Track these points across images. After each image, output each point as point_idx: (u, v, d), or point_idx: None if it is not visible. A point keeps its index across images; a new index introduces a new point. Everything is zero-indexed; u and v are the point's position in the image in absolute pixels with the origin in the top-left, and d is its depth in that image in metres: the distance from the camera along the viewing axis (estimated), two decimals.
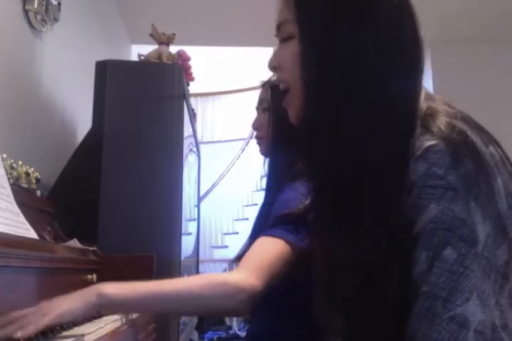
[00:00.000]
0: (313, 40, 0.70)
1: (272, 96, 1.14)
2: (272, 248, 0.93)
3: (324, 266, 0.72)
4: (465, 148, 0.61)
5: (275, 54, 0.78)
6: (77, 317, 0.83)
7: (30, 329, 0.75)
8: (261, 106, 1.20)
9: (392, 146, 0.65)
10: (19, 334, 0.73)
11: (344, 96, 0.67)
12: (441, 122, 0.64)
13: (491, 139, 0.66)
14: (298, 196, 0.94)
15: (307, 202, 0.90)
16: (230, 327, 4.82)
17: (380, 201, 0.64)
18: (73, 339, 0.81)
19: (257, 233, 1.08)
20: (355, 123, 0.66)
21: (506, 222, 0.61)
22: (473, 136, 0.63)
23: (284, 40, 0.75)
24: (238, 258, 1.11)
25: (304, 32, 0.71)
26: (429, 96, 0.71)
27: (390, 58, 0.67)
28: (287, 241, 0.94)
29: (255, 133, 1.22)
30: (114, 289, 0.84)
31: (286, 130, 1.04)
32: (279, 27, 0.76)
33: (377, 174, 0.65)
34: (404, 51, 0.69)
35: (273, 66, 0.78)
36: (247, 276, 0.88)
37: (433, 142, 0.62)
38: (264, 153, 1.18)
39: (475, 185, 0.60)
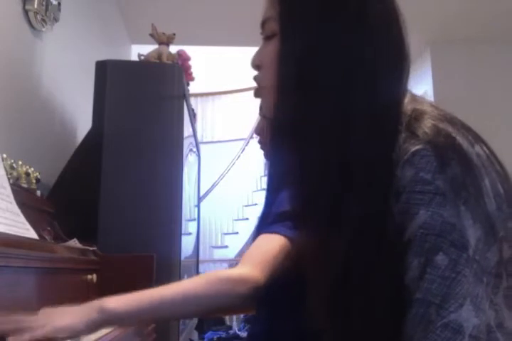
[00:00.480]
0: (292, 39, 0.70)
1: None
2: (273, 243, 0.94)
3: (311, 266, 0.71)
4: (452, 151, 0.61)
5: (257, 52, 0.78)
6: (76, 334, 0.79)
7: (26, 337, 0.73)
8: (261, 112, 1.21)
9: (375, 148, 0.64)
10: (10, 339, 0.72)
11: (318, 96, 0.67)
12: (427, 125, 0.63)
13: (477, 138, 0.65)
14: None
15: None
16: (230, 327, 4.82)
17: (365, 202, 0.63)
18: (73, 339, 0.81)
19: (257, 231, 1.09)
20: (325, 125, 0.66)
21: (495, 222, 0.60)
22: (460, 138, 0.62)
23: (267, 38, 0.75)
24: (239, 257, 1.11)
25: (284, 30, 0.71)
26: (414, 98, 0.70)
27: (375, 60, 0.67)
28: (287, 237, 0.94)
29: (258, 138, 1.23)
30: (116, 302, 0.82)
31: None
32: (263, 24, 0.76)
33: (361, 175, 0.64)
34: (389, 53, 0.68)
35: (255, 64, 0.78)
36: (250, 270, 0.88)
37: (419, 146, 0.61)
38: (268, 157, 1.20)
39: (463, 189, 0.59)
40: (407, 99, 0.69)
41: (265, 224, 1.04)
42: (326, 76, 0.67)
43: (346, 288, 0.64)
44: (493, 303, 0.59)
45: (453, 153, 0.61)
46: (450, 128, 0.63)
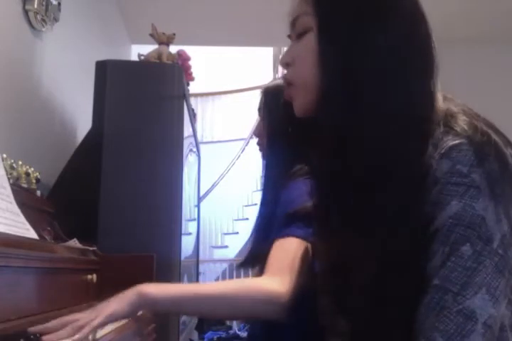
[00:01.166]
0: (330, 33, 0.70)
1: (266, 102, 1.16)
2: (292, 248, 0.94)
3: (331, 266, 0.72)
4: (489, 147, 0.62)
5: (289, 50, 0.77)
6: (123, 317, 0.87)
7: (85, 331, 0.79)
8: (260, 114, 1.21)
9: (410, 145, 0.65)
10: (76, 336, 0.78)
11: (358, 93, 0.67)
12: (464, 122, 0.65)
13: (507, 141, 0.67)
14: (302, 194, 0.95)
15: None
16: (230, 327, 4.83)
17: (395, 199, 0.64)
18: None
19: (260, 233, 1.09)
20: (373, 121, 0.66)
21: None
22: (495, 137, 0.64)
23: (299, 35, 0.75)
24: (243, 263, 1.11)
25: (321, 24, 0.71)
26: (446, 98, 0.72)
27: (407, 59, 0.68)
28: (303, 238, 0.94)
29: (257, 140, 1.23)
30: (153, 289, 0.87)
31: (282, 131, 1.06)
32: (293, 22, 0.75)
33: (394, 171, 0.65)
34: (420, 52, 0.70)
35: (285, 62, 0.77)
36: (281, 282, 0.89)
37: (457, 141, 0.62)
38: (266, 157, 1.20)
39: (498, 184, 0.61)
40: (440, 98, 0.70)
41: (267, 224, 1.04)
42: (369, 74, 0.67)
43: (368, 288, 0.64)
44: (510, 304, 0.60)
45: (490, 150, 0.62)
46: (485, 127, 0.65)
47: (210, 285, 0.96)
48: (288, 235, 0.96)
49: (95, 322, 0.81)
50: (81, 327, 0.80)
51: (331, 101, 0.69)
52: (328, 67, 0.69)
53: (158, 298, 0.86)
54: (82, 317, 0.83)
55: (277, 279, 0.90)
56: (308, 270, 0.92)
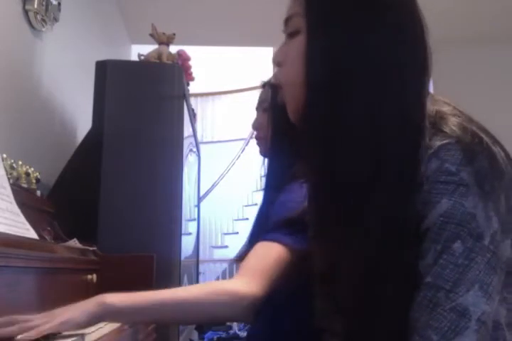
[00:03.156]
0: (319, 35, 0.70)
1: (272, 97, 1.15)
2: (270, 252, 0.93)
3: (325, 268, 0.72)
4: (479, 146, 0.63)
5: (280, 49, 0.77)
6: (79, 327, 0.82)
7: (32, 334, 0.75)
8: (261, 107, 1.20)
9: (400, 147, 0.65)
10: (19, 337, 0.74)
11: (346, 94, 0.67)
12: (453, 123, 0.65)
13: (495, 140, 0.67)
14: (295, 198, 0.94)
15: (305, 204, 0.89)
16: (230, 327, 4.82)
17: (387, 202, 0.64)
18: (74, 339, 0.81)
19: (256, 233, 1.08)
20: (359, 123, 0.66)
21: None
22: (484, 136, 0.64)
23: (290, 35, 0.75)
24: (239, 258, 1.11)
25: (310, 25, 0.71)
26: (434, 99, 0.72)
27: (398, 59, 0.68)
28: (284, 244, 0.93)
29: (255, 133, 1.22)
30: (116, 298, 0.84)
31: (286, 129, 1.05)
32: (286, 21, 0.75)
33: (385, 174, 0.65)
34: (412, 52, 0.69)
35: (277, 61, 0.77)
36: (247, 283, 0.88)
37: (446, 141, 0.63)
38: (264, 153, 1.19)
39: (487, 182, 0.61)
40: (429, 99, 0.70)
41: (264, 225, 1.04)
42: (358, 75, 0.67)
43: (362, 289, 0.64)
44: (506, 302, 0.60)
45: (479, 148, 0.62)
46: (474, 128, 0.65)
47: (174, 290, 0.92)
48: (273, 240, 0.94)
49: (44, 327, 0.77)
50: (29, 329, 0.76)
51: (317, 100, 0.69)
52: (314, 68, 0.69)
53: (121, 308, 0.83)
54: (34, 318, 0.80)
55: (246, 281, 0.88)
56: (283, 276, 0.90)
